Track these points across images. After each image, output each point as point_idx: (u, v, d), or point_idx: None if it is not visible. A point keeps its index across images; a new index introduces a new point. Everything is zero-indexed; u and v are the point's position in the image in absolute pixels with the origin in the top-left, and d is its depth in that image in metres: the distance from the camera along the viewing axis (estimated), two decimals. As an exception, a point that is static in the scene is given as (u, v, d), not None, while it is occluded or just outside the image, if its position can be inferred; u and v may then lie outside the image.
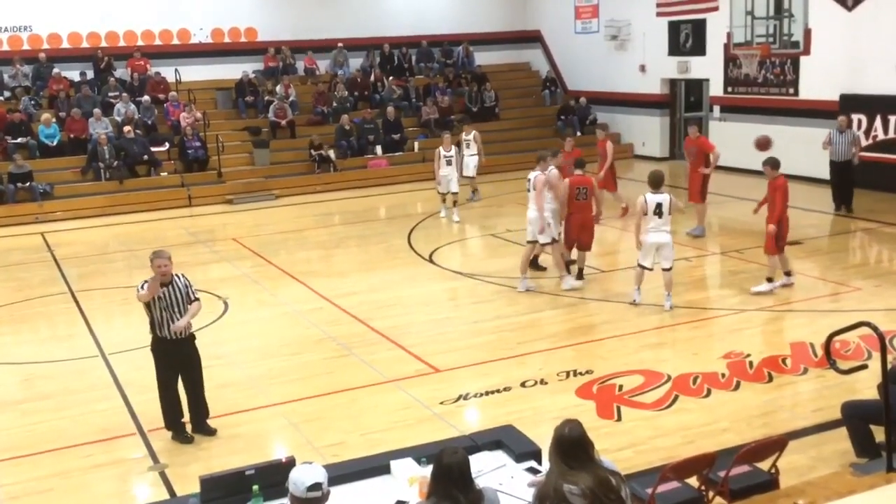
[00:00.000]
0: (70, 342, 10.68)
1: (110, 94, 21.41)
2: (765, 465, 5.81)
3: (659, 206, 10.26)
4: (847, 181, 15.68)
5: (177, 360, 7.63)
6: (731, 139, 18.95)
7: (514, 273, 12.86)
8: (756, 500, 5.19)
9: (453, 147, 16.29)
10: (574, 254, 12.12)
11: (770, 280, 11.17)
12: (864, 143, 17.48)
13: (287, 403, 8.37)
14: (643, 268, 10.75)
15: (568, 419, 4.30)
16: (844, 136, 15.38)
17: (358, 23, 24.46)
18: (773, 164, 11.07)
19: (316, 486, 4.15)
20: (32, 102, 20.84)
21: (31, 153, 19.57)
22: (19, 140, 19.52)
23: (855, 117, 17.58)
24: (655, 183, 10.38)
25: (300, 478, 4.16)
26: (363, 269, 13.52)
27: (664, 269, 10.62)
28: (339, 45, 24.21)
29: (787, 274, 11.35)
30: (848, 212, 15.53)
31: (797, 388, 8.37)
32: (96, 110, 20.21)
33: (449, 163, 16.21)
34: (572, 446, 4.15)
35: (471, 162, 17.85)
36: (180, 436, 7.68)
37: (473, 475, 5.23)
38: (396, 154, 22.01)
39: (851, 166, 15.49)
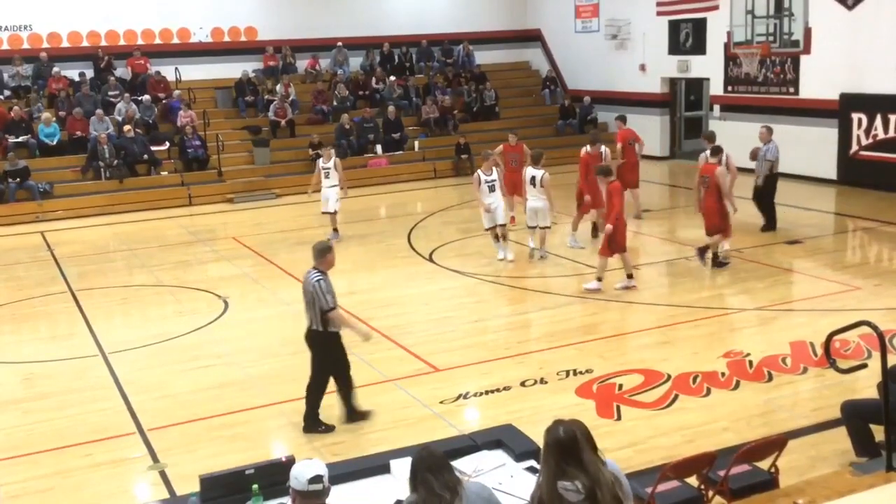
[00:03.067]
0: (70, 341, 10.68)
1: (110, 93, 21.42)
2: (764, 465, 5.82)
3: (533, 178, 12.65)
4: (768, 197, 14.28)
5: (341, 353, 7.68)
6: (732, 138, 18.93)
7: (513, 272, 12.88)
8: (756, 500, 5.19)
9: (495, 170, 13.30)
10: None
11: (599, 279, 11.46)
12: (864, 142, 17.53)
13: (287, 402, 8.36)
14: (530, 228, 13.27)
15: (559, 420, 4.29)
16: (766, 150, 14.05)
17: (358, 22, 24.46)
18: (602, 171, 11.65)
19: (317, 479, 4.20)
20: (36, 106, 20.79)
21: (31, 152, 19.57)
22: (20, 139, 19.51)
23: (855, 116, 17.60)
24: (535, 160, 12.84)
25: (301, 471, 4.21)
26: (363, 268, 13.52)
27: (541, 228, 13.03)
28: (339, 44, 24.22)
29: (629, 276, 11.55)
30: (769, 230, 14.23)
31: (797, 387, 8.37)
32: (98, 111, 20.21)
33: (492, 188, 13.09)
34: (567, 447, 4.13)
35: (331, 195, 14.96)
36: (323, 426, 7.70)
37: (473, 474, 5.27)
38: (396, 153, 22.02)
39: (774, 181, 14.14)
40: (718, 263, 12.36)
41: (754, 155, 14.27)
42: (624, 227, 11.46)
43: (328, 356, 7.65)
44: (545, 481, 4.13)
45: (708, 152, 12.73)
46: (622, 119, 16.30)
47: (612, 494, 4.12)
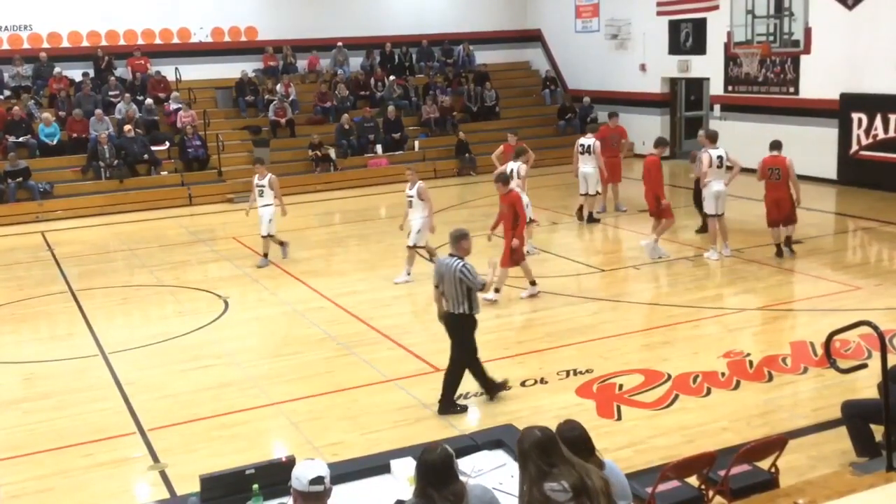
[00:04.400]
0: (70, 341, 10.69)
1: (111, 93, 21.42)
2: (765, 465, 5.82)
3: (511, 171, 12.99)
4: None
5: (473, 337, 8.13)
6: (732, 138, 18.96)
7: (512, 272, 12.87)
8: (756, 500, 5.18)
9: (419, 183, 12.34)
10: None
11: (497, 290, 11.18)
12: (864, 142, 17.53)
13: (287, 403, 8.37)
14: None
15: (530, 426, 4.34)
16: (703, 153, 13.19)
17: (358, 22, 24.46)
18: (502, 179, 11.31)
19: (318, 480, 4.18)
20: (33, 101, 20.82)
21: (31, 152, 19.58)
22: (20, 139, 19.51)
23: (855, 116, 17.60)
24: (517, 155, 13.45)
25: (303, 472, 4.20)
26: (363, 268, 13.52)
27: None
28: (339, 43, 24.22)
29: (532, 283, 11.42)
30: (704, 231, 13.83)
31: (797, 387, 8.37)
32: (98, 111, 20.21)
33: (410, 204, 12.37)
34: (546, 448, 4.17)
35: (265, 215, 13.54)
36: (458, 406, 8.07)
37: (473, 474, 5.26)
38: (396, 153, 22.02)
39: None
40: (791, 249, 12.81)
41: (693, 157, 14.24)
42: (522, 238, 11.39)
43: (469, 337, 7.98)
44: (531, 486, 4.12)
45: (716, 151, 12.76)
46: (617, 116, 17.32)
47: (602, 483, 4.13)
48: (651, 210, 13.17)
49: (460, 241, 8.02)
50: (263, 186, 13.61)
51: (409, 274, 12.50)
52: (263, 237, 13.66)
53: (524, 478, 4.20)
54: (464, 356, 8.02)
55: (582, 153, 15.44)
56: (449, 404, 8.01)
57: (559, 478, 4.06)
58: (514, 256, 11.19)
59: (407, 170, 13.14)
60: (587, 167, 15.38)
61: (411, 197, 12.40)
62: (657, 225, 13.15)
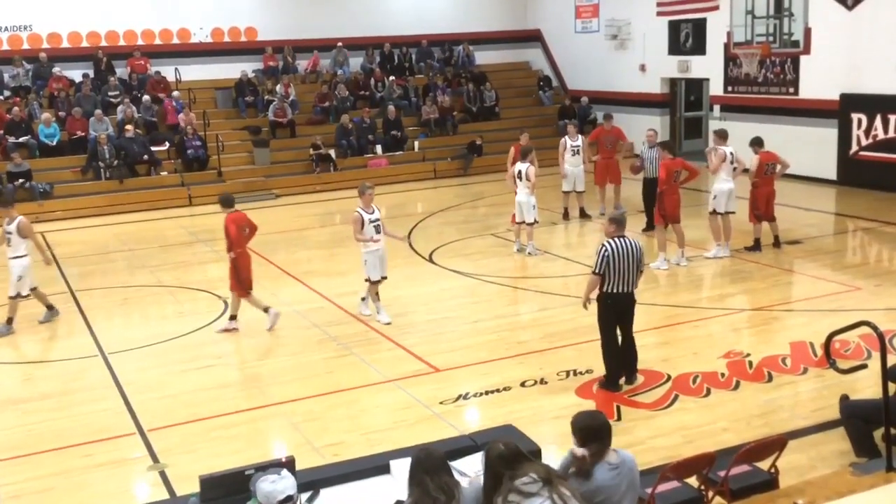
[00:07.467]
0: (70, 342, 10.69)
1: (110, 93, 21.42)
2: (764, 465, 5.82)
3: (520, 172, 13.33)
4: (650, 199, 13.67)
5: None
6: (731, 138, 18.99)
7: (513, 273, 12.89)
8: (756, 500, 5.20)
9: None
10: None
11: (234, 317, 10.56)
12: (864, 142, 17.53)
13: (287, 403, 8.37)
14: (517, 224, 13.73)
15: (495, 441, 4.53)
16: (654, 151, 13.83)
17: (358, 22, 24.47)
18: (223, 201, 10.51)
19: (288, 499, 4.17)
20: (36, 103, 20.80)
21: (31, 152, 19.58)
22: (20, 139, 19.51)
23: (855, 116, 17.61)
24: (523, 155, 13.53)
25: (271, 492, 4.17)
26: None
27: (527, 224, 13.41)
28: (339, 44, 24.22)
29: (233, 318, 10.56)
30: (649, 230, 13.95)
31: (797, 387, 8.38)
32: (97, 111, 20.21)
33: (378, 229, 10.62)
34: (510, 461, 4.34)
35: (15, 268, 10.78)
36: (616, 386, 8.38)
37: (473, 474, 5.27)
38: (396, 153, 22.02)
39: (655, 184, 13.17)
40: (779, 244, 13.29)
41: (638, 168, 14.37)
42: (248, 261, 10.52)
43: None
44: (501, 488, 4.24)
45: (727, 148, 13.04)
46: (612, 117, 17.10)
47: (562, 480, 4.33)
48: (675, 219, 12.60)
49: (625, 221, 8.33)
50: (11, 234, 10.67)
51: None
52: (11, 298, 10.81)
53: (488, 485, 4.35)
54: (632, 331, 8.46)
55: (574, 154, 15.72)
56: (632, 372, 8.54)
57: (528, 472, 4.23)
58: (242, 283, 10.45)
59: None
60: (578, 167, 15.72)
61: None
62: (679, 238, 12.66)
